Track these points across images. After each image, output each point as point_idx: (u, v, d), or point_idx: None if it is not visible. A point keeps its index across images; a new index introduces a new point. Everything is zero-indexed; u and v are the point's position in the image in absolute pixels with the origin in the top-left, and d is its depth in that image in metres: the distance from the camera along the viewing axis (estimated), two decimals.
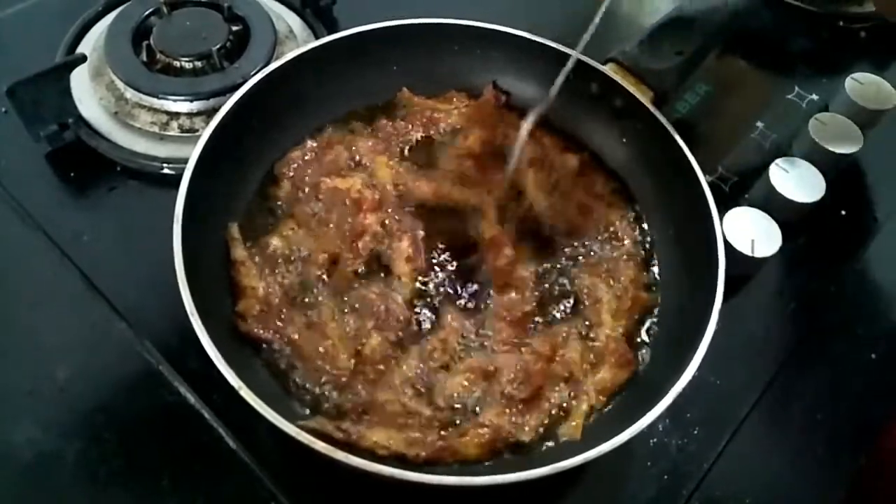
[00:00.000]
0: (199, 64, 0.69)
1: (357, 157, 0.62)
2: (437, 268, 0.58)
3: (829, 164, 0.67)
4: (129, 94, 0.68)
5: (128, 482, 0.50)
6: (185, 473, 0.50)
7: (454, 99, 0.67)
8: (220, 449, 0.51)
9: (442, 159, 0.64)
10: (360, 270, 0.56)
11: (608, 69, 0.63)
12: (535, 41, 0.65)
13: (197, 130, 0.66)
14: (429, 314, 0.55)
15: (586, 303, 0.56)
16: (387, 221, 0.59)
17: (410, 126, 0.65)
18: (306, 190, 0.60)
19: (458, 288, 0.57)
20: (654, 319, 0.56)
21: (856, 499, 0.55)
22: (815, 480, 0.56)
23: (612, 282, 0.57)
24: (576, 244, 0.60)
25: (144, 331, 0.55)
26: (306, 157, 0.62)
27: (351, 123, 0.65)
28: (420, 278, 0.57)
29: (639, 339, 0.55)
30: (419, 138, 0.65)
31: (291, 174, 0.61)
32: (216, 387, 0.47)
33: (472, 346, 0.54)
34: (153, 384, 0.53)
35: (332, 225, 0.58)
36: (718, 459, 0.54)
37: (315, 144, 0.62)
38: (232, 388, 0.43)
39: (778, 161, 0.66)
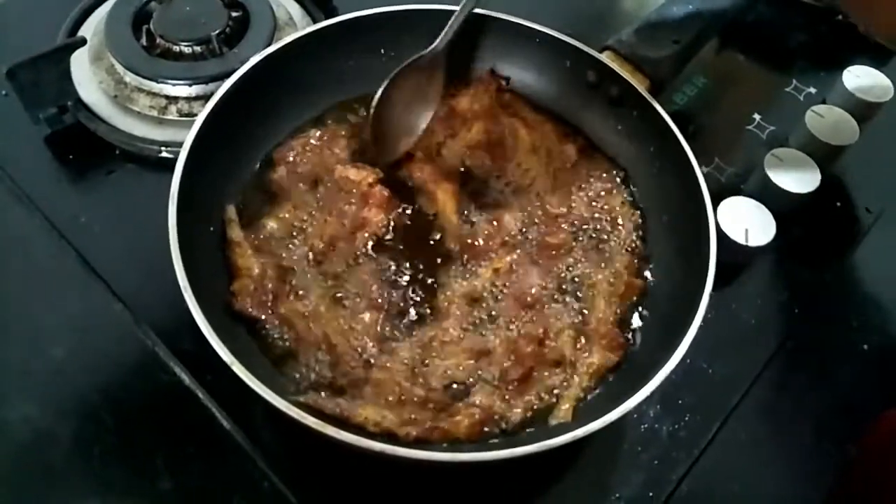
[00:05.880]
0: (198, 49, 0.70)
1: (362, 149, 0.62)
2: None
3: (825, 156, 0.67)
4: (129, 77, 0.68)
5: (122, 461, 0.50)
6: (179, 453, 0.51)
7: (452, 87, 0.67)
8: (213, 429, 0.51)
9: (446, 151, 0.64)
10: (356, 255, 0.56)
11: (605, 57, 0.64)
12: (532, 28, 0.65)
13: (195, 115, 0.66)
14: (426, 298, 0.55)
15: (580, 287, 0.56)
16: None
17: None
18: (307, 176, 0.60)
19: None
20: (646, 305, 0.56)
21: (845, 489, 0.55)
22: (804, 469, 0.56)
23: (606, 267, 0.57)
24: (575, 229, 0.60)
25: (141, 312, 0.56)
26: (309, 145, 0.61)
27: (349, 109, 0.65)
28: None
29: (630, 325, 0.55)
30: None
31: (291, 159, 0.61)
32: (211, 368, 0.48)
33: (472, 331, 0.54)
34: (149, 365, 0.54)
35: (333, 212, 0.58)
36: (709, 446, 0.54)
37: (318, 133, 0.62)
38: (226, 368, 0.43)
39: (774, 151, 0.66)
